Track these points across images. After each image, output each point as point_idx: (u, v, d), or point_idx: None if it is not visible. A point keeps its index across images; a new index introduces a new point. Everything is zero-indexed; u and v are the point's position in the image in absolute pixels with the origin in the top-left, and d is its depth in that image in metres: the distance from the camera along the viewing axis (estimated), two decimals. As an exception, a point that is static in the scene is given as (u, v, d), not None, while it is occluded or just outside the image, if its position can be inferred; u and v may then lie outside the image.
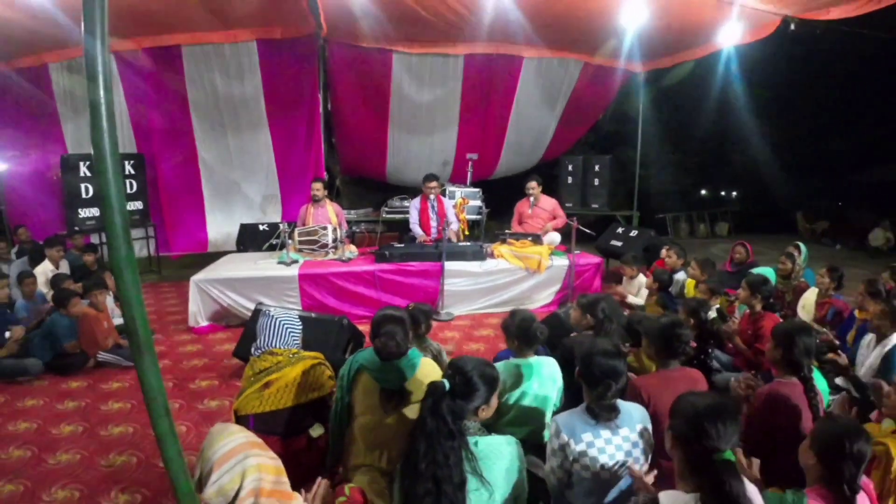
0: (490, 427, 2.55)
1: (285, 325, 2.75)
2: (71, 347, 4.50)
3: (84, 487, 2.95)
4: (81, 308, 4.65)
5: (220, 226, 8.14)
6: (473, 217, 7.78)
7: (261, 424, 2.55)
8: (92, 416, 3.79)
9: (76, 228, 6.96)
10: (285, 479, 1.77)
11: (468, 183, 8.49)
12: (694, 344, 2.83)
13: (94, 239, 7.47)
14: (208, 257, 6.77)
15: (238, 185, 8.18)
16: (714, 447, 1.61)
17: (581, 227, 6.04)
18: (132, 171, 7.58)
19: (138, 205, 7.71)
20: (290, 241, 5.85)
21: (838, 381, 3.62)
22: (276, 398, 2.56)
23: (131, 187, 7.58)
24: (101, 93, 1.12)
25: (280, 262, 5.66)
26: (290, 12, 6.51)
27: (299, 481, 1.89)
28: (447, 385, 1.93)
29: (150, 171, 7.87)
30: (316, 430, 2.73)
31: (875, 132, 14.77)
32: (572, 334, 3.55)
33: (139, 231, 7.90)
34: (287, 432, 2.59)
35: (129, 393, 4.14)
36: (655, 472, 2.05)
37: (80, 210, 7.22)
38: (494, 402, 2.11)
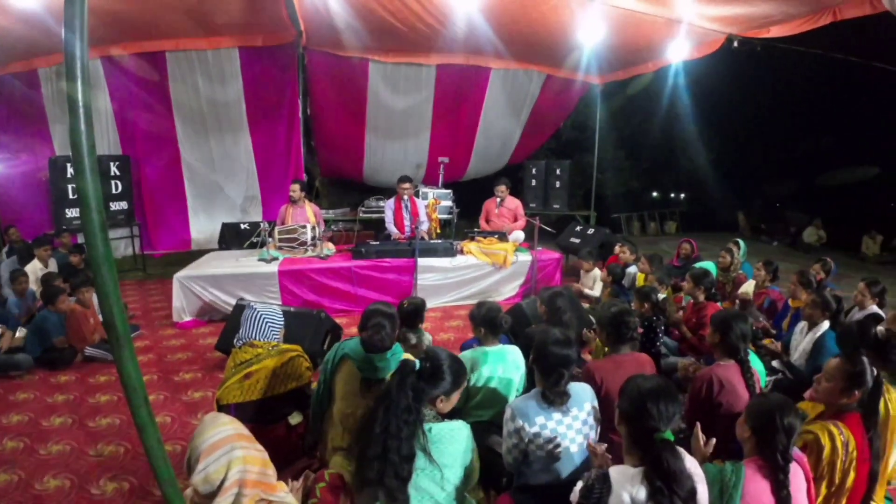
0: (459, 410, 2.56)
1: (266, 320, 2.71)
2: (59, 343, 4.38)
3: (75, 476, 2.91)
4: (69, 305, 4.52)
5: (203, 225, 7.97)
6: (445, 216, 7.80)
7: (241, 413, 2.51)
8: (81, 408, 3.71)
9: (64, 228, 6.74)
10: (271, 471, 1.76)
11: (440, 184, 8.50)
12: (640, 330, 2.89)
13: (81, 238, 7.25)
14: (192, 256, 6.61)
15: (220, 186, 8.01)
16: (655, 427, 1.65)
17: (543, 226, 6.12)
18: (118, 173, 7.35)
19: (123, 205, 7.48)
20: (270, 240, 5.76)
21: (775, 363, 3.74)
22: (255, 388, 2.54)
23: (117, 188, 7.34)
24: (80, 92, 1.09)
25: (261, 260, 5.56)
26: (270, 21, 6.38)
27: (279, 466, 1.87)
28: (418, 365, 1.94)
29: (134, 172, 7.63)
30: (294, 418, 2.71)
31: (810, 141, 15.31)
32: (534, 324, 3.59)
33: (125, 230, 7.67)
34: (266, 420, 2.57)
35: (115, 386, 4.03)
36: (605, 445, 2.09)
37: (67, 210, 6.98)
38: (455, 398, 2.12)
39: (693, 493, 1.59)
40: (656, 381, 1.78)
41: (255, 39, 6.97)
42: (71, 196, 6.99)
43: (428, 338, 3.57)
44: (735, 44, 5.92)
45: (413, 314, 3.46)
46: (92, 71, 6.89)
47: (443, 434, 1.96)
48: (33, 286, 5.31)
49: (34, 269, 5.58)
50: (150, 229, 7.90)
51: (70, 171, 6.95)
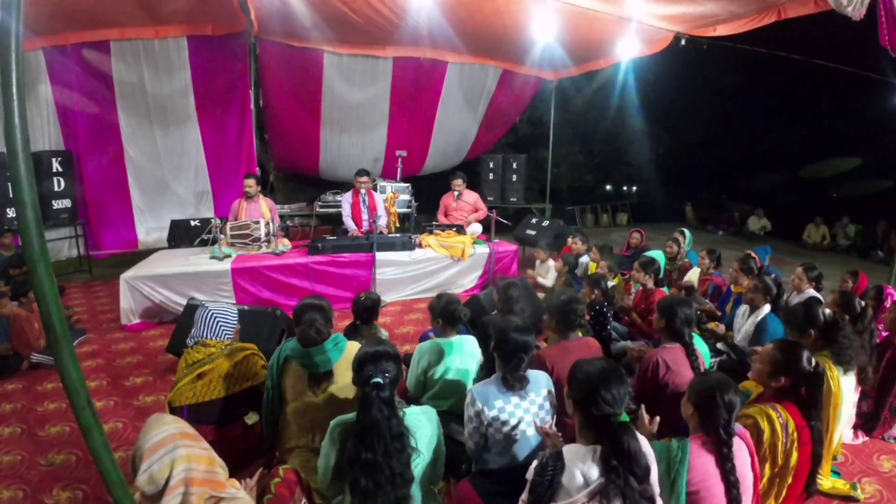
0: (415, 401, 2.59)
1: (218, 319, 2.66)
2: (3, 350, 4.13)
3: (27, 486, 2.81)
4: (12, 309, 4.26)
5: (150, 224, 7.58)
6: (403, 210, 7.78)
7: (195, 415, 2.46)
8: (29, 417, 3.55)
9: (6, 228, 6.34)
10: (218, 468, 1.74)
11: (398, 178, 8.45)
12: (588, 316, 2.98)
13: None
14: (139, 255, 6.33)
15: (167, 182, 7.64)
16: (610, 412, 1.71)
17: (500, 219, 6.20)
18: (59, 169, 6.93)
19: (66, 203, 7.06)
20: (222, 237, 5.57)
21: (719, 345, 3.93)
22: (208, 389, 2.50)
23: (59, 185, 6.92)
24: (14, 88, 1.04)
25: (212, 258, 5.38)
26: (220, 9, 6.16)
27: (237, 467, 1.85)
28: (381, 381, 1.91)
29: (77, 168, 7.20)
30: (251, 418, 2.68)
31: (755, 134, 16.06)
32: (492, 313, 3.65)
33: (68, 230, 7.23)
34: (221, 421, 2.53)
35: (63, 393, 3.84)
36: (552, 424, 2.17)
37: (8, 209, 6.57)
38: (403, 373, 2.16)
39: (648, 470, 1.67)
40: (601, 365, 1.83)
41: (205, 28, 6.70)
42: (11, 195, 6.58)
43: (384, 333, 3.57)
44: (683, 42, 6.07)
45: (370, 310, 3.45)
46: (33, 62, 6.54)
47: (413, 420, 1.98)
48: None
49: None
50: (94, 228, 7.45)
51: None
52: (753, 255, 4.89)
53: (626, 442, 1.64)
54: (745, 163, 16.78)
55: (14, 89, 1.03)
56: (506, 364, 2.22)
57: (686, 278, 5.23)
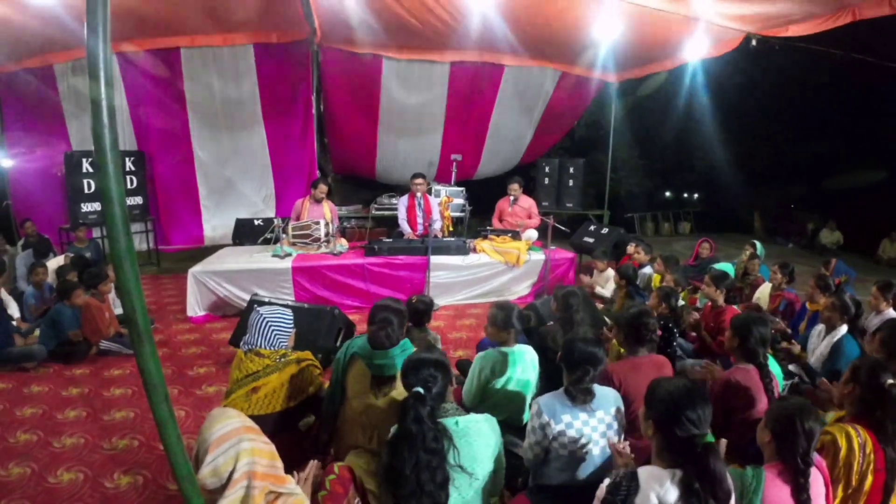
0: (474, 411, 2.54)
1: (272, 327, 2.53)
2: (74, 336, 4.41)
3: (88, 469, 2.91)
4: (84, 299, 4.55)
5: (216, 221, 7.97)
6: (457, 214, 7.76)
7: (250, 426, 2.46)
8: (95, 401, 3.73)
9: (81, 222, 6.81)
10: (279, 463, 1.73)
11: (452, 182, 8.46)
12: (659, 332, 2.85)
13: (97, 232, 7.32)
14: (206, 251, 6.65)
15: (233, 182, 8.01)
16: (695, 433, 1.62)
17: (557, 225, 6.06)
18: (132, 168, 7.42)
19: (138, 200, 7.55)
20: (283, 236, 5.77)
21: (791, 367, 3.69)
22: (263, 403, 2.44)
23: (132, 183, 7.41)
24: (103, 90, 1.08)
25: (274, 256, 5.57)
26: (286, 18, 6.39)
27: (291, 467, 1.86)
28: (422, 391, 1.89)
29: (148, 168, 7.70)
30: (306, 422, 2.68)
31: (825, 141, 15.07)
32: (549, 323, 3.56)
33: (139, 225, 7.73)
34: (275, 431, 2.49)
35: (129, 379, 4.07)
36: (628, 443, 2.08)
37: (83, 204, 7.06)
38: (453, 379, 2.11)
39: (730, 494, 1.59)
40: (685, 384, 1.75)
41: (270, 36, 6.98)
42: (86, 191, 7.06)
43: (433, 335, 3.53)
44: (753, 42, 5.83)
45: (421, 313, 3.40)
46: (108, 66, 7.01)
47: (469, 427, 1.94)
48: (51, 280, 5.36)
49: (54, 263, 5.62)
50: (164, 225, 7.95)
51: (86, 166, 7.03)
52: (832, 271, 4.59)
53: (713, 464, 1.56)
54: (817, 171, 15.76)
55: (103, 88, 1.05)
56: (570, 374, 2.16)
57: (757, 294, 4.95)
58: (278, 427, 2.45)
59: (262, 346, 2.53)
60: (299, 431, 2.64)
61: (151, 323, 5.24)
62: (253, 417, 2.40)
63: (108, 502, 2.67)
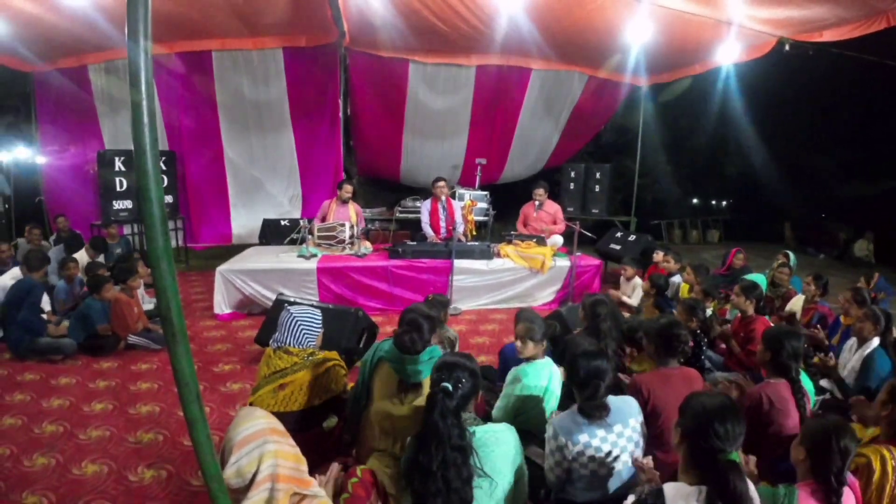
0: (504, 420, 2.51)
1: (302, 325, 2.59)
2: (103, 330, 4.52)
3: (113, 462, 2.94)
4: (114, 294, 4.66)
5: (244, 221, 8.13)
6: (480, 218, 7.74)
7: (276, 422, 2.50)
8: (122, 395, 3.79)
9: (112, 219, 6.99)
10: (304, 466, 1.74)
11: (476, 186, 8.45)
12: (691, 343, 2.79)
13: (127, 230, 7.51)
14: (233, 249, 6.77)
15: (261, 182, 8.18)
16: (720, 447, 1.59)
17: (584, 231, 5.98)
18: (163, 167, 7.58)
19: (169, 199, 7.71)
20: (309, 237, 5.84)
21: (823, 383, 3.59)
22: (290, 400, 2.48)
23: (162, 182, 7.59)
24: (144, 93, 1.10)
25: (300, 256, 5.65)
26: (315, 22, 6.49)
27: (313, 467, 1.87)
28: (450, 387, 1.88)
29: (179, 167, 7.88)
30: (329, 422, 2.69)
31: (858, 150, 14.63)
32: (575, 331, 3.52)
33: (169, 223, 7.90)
34: (299, 429, 2.52)
35: (156, 374, 4.14)
36: (650, 459, 2.04)
37: (114, 202, 7.24)
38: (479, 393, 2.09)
39: None
40: (721, 400, 1.72)
41: (299, 40, 7.10)
42: (118, 189, 7.24)
43: (452, 333, 3.51)
44: (787, 47, 5.75)
45: (434, 310, 3.34)
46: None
47: (488, 438, 1.92)
48: (81, 274, 5.50)
49: (83, 257, 5.79)
50: (193, 223, 8.13)
51: (118, 164, 7.20)
52: (873, 285, 4.45)
53: (733, 482, 1.52)
54: (851, 179, 15.27)
55: (144, 91, 1.07)
56: (580, 392, 2.11)
57: (789, 306, 4.81)
58: (301, 425, 2.48)
59: (291, 345, 2.58)
60: (322, 431, 2.65)
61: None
62: (277, 414, 2.44)
63: (132, 496, 2.69)
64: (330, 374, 2.58)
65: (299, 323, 2.61)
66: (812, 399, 2.76)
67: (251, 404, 2.54)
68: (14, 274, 4.87)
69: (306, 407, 2.51)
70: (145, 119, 1.10)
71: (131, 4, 1.04)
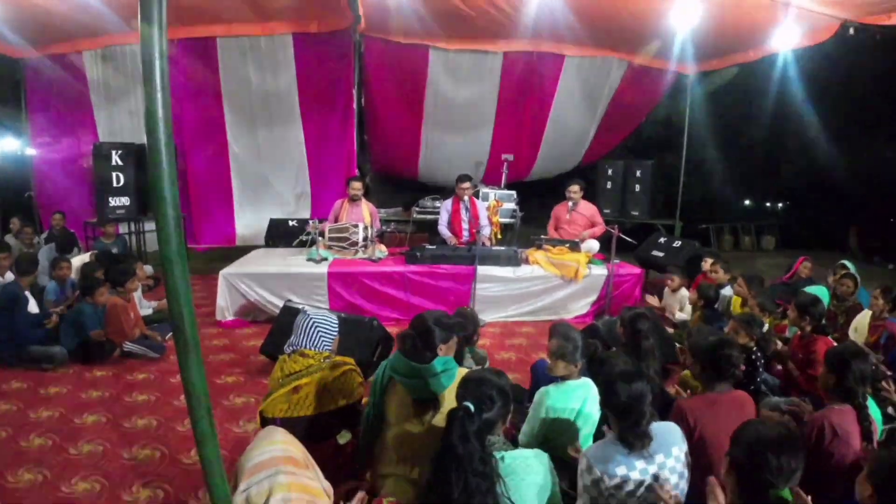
0: (531, 446, 2.51)
1: (318, 329, 2.71)
2: (96, 336, 4.56)
3: (105, 480, 2.95)
4: (109, 298, 4.72)
5: (249, 220, 8.24)
6: (507, 220, 7.72)
7: (287, 428, 2.55)
8: (116, 406, 3.81)
9: (109, 217, 7.12)
10: (322, 501, 1.76)
11: (502, 185, 8.44)
12: (742, 367, 2.74)
13: (123, 228, 7.64)
14: (236, 252, 6.85)
15: (268, 179, 8.28)
16: (772, 483, 1.57)
17: (622, 236, 5.87)
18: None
19: (168, 196, 7.85)
20: (320, 239, 5.89)
21: (891, 410, 3.50)
22: (304, 403, 2.56)
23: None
24: (158, 84, 1.15)
25: (309, 259, 5.71)
26: (328, 6, 6.57)
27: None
28: (472, 407, 1.87)
29: (180, 162, 7.97)
30: (343, 437, 2.72)
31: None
32: (612, 349, 3.50)
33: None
34: (313, 437, 2.58)
35: (153, 385, 4.19)
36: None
37: (111, 198, 7.38)
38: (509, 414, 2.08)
39: None
40: (779, 430, 1.71)
41: (310, 25, 7.17)
42: (115, 184, 7.37)
43: (482, 354, 3.51)
44: (851, 31, 5.66)
45: (463, 329, 3.26)
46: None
47: (518, 464, 1.91)
48: (74, 276, 5.57)
49: (79, 259, 5.89)
50: (195, 222, 8.21)
51: (115, 158, 7.35)
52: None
53: None
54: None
55: (157, 78, 1.11)
56: (622, 421, 2.04)
57: (854, 323, 4.71)
58: (311, 433, 2.54)
59: (307, 347, 2.69)
60: (336, 445, 2.70)
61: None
62: (287, 420, 2.51)
63: (126, 515, 2.70)
64: (345, 379, 2.66)
65: (316, 325, 2.72)
66: (880, 428, 2.70)
67: (262, 412, 2.61)
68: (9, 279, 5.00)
69: (317, 412, 2.57)
70: (160, 113, 1.15)
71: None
